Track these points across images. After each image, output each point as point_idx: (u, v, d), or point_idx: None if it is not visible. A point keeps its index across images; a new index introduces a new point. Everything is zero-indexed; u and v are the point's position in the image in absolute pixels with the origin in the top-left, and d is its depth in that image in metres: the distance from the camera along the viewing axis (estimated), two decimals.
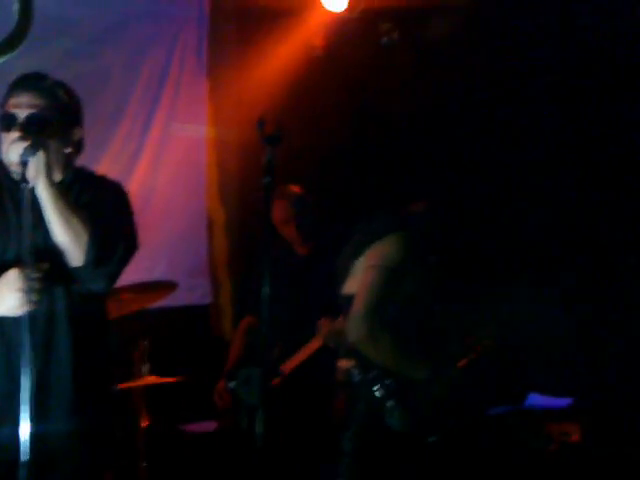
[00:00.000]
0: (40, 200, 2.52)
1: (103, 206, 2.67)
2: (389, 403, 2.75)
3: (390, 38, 5.00)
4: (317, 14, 5.26)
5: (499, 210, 4.32)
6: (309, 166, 4.83)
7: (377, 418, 2.79)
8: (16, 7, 4.41)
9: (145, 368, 4.38)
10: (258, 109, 5.22)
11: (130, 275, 2.76)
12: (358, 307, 2.85)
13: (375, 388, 2.81)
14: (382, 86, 5.04)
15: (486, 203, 3.86)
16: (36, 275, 2.45)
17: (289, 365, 4.23)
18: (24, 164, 2.47)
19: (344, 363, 3.01)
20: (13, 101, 2.62)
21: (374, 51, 5.09)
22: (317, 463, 3.54)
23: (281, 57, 5.37)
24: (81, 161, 2.83)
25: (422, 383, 2.80)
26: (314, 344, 4.12)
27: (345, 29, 5.19)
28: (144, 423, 4.41)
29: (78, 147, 2.76)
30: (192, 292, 5.38)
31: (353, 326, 2.85)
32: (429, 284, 2.98)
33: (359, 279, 2.94)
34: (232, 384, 4.16)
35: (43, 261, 2.50)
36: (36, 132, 2.54)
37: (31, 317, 2.44)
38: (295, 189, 4.48)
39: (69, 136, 2.70)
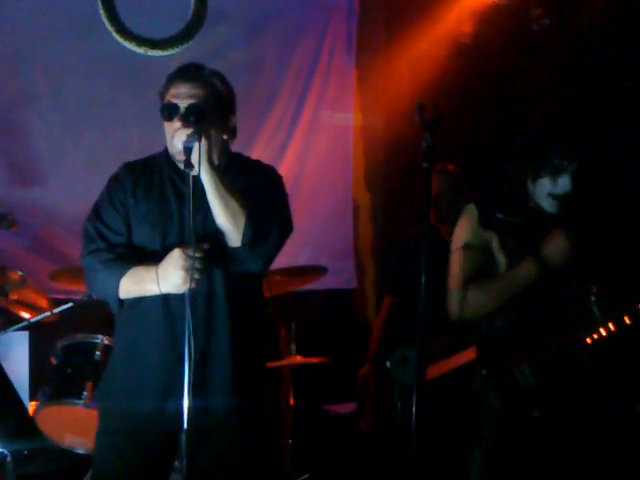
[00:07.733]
0: (203, 184, 2.66)
1: (258, 190, 2.79)
2: (489, 390, 2.82)
3: (541, 24, 4.90)
4: (466, 1, 5.25)
5: None
6: (454, 155, 4.82)
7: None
8: None
9: (293, 348, 4.53)
10: (404, 98, 5.31)
11: (278, 258, 2.85)
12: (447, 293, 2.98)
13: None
14: (531, 75, 4.97)
15: None
16: (197, 255, 2.59)
17: (433, 371, 4.02)
18: (188, 151, 2.62)
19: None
20: (173, 91, 2.76)
21: (524, 39, 5.02)
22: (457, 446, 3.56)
23: (429, 46, 5.36)
24: (234, 149, 2.95)
25: (522, 363, 2.80)
26: (468, 354, 3.75)
27: (494, 16, 5.14)
28: (291, 402, 4.56)
29: (233, 133, 2.88)
30: (338, 276, 5.47)
31: (448, 310, 2.97)
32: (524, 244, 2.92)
33: None
34: (387, 364, 4.19)
35: (203, 242, 2.64)
36: (196, 121, 2.68)
37: (193, 295, 2.58)
38: (452, 166, 4.50)
39: (225, 123, 2.83)
